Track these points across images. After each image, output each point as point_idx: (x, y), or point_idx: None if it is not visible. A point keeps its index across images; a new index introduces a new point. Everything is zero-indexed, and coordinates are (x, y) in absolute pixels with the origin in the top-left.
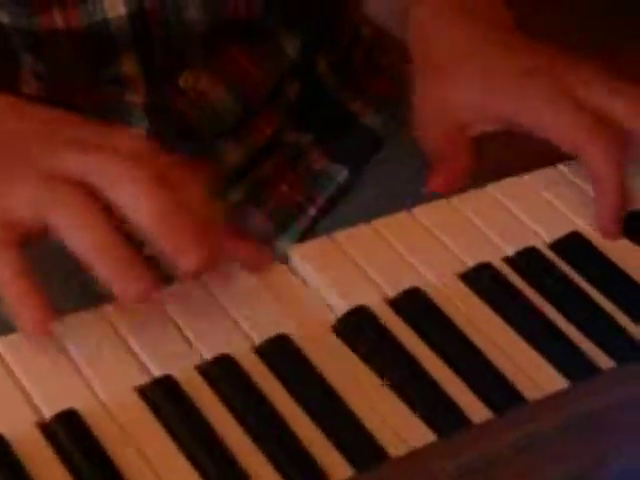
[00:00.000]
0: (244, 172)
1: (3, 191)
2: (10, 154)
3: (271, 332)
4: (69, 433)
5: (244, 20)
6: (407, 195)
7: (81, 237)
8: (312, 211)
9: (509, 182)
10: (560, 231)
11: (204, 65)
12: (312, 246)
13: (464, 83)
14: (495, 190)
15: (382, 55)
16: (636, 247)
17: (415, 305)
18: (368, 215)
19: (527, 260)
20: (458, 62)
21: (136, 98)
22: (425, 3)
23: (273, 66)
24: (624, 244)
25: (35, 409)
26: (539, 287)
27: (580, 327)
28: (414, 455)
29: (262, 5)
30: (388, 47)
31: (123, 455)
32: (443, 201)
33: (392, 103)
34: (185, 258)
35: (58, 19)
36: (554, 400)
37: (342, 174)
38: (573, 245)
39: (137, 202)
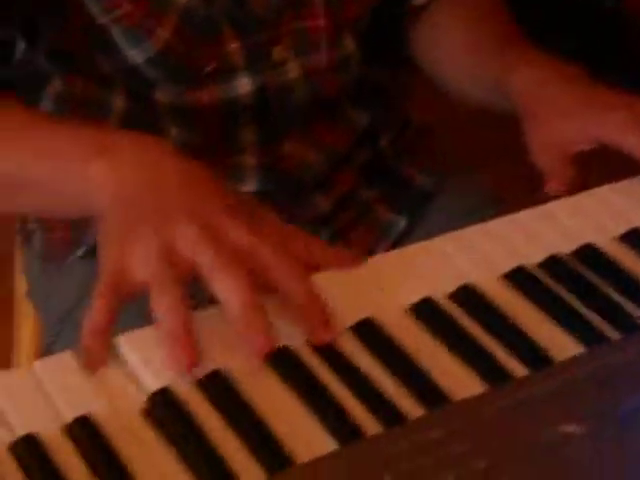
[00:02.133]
0: (327, 220)
1: (127, 248)
2: (144, 209)
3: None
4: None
5: (331, 99)
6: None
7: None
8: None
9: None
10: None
11: (301, 133)
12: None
13: (570, 118)
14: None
15: (428, 135)
16: None
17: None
18: None
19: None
20: (563, 114)
21: (251, 161)
22: (526, 73)
23: (347, 135)
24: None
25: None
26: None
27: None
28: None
29: (342, 88)
30: (433, 129)
31: None
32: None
33: (437, 169)
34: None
35: (204, 95)
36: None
37: (401, 224)
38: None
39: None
